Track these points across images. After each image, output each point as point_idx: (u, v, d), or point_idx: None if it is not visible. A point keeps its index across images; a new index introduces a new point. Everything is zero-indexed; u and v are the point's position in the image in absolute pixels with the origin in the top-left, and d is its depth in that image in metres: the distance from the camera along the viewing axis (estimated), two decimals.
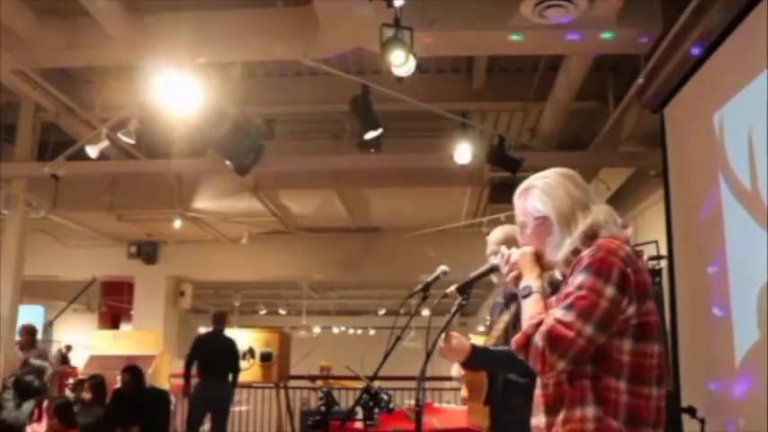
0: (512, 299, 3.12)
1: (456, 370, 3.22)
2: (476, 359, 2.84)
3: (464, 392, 3.18)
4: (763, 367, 3.91)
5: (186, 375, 7.57)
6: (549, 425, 1.86)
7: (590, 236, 1.91)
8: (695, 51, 4.96)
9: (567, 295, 1.81)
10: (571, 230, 1.93)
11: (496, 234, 3.23)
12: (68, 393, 6.99)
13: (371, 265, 12.00)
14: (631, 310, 1.81)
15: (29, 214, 8.44)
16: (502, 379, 3.00)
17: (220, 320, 7.87)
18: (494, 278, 3.00)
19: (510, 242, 2.99)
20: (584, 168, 7.48)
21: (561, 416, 1.83)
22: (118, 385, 7.49)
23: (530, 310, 1.91)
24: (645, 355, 1.83)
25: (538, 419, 1.92)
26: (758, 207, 4.05)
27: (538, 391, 1.94)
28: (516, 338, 1.86)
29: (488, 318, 2.79)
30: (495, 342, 3.03)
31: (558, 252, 1.94)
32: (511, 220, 2.15)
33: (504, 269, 2.07)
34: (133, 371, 7.18)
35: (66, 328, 15.47)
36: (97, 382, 6.90)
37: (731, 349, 4.41)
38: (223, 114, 6.37)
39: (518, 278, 2.03)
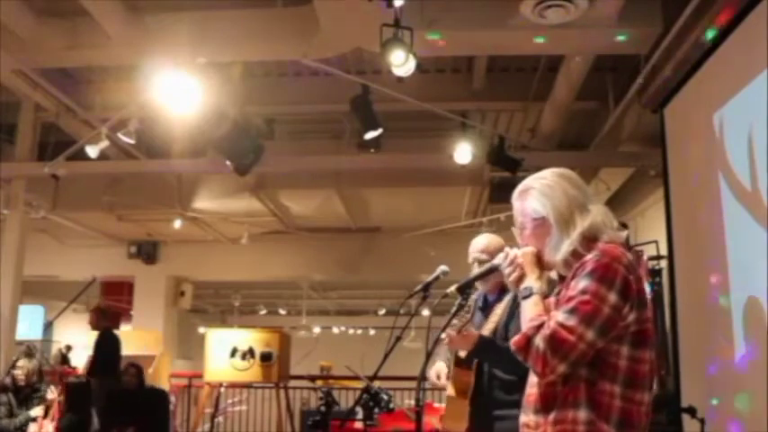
0: (494, 302, 3.12)
1: (434, 370, 3.20)
2: (484, 348, 2.84)
3: (450, 391, 3.17)
4: (764, 368, 3.91)
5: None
6: (539, 424, 1.87)
7: (589, 238, 1.92)
8: (695, 52, 4.96)
9: (570, 299, 1.82)
10: (569, 232, 1.93)
11: (480, 242, 3.22)
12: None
13: (371, 265, 11.99)
14: (632, 316, 1.82)
15: (29, 214, 8.44)
16: (487, 375, 3.00)
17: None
18: (479, 284, 3.01)
19: (492, 251, 3.00)
20: (584, 168, 7.49)
21: (552, 416, 1.84)
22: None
23: (530, 311, 1.91)
24: (640, 361, 1.84)
25: (527, 417, 1.92)
26: (758, 207, 4.05)
27: (529, 390, 1.95)
28: (516, 340, 1.87)
29: (456, 322, 2.74)
30: None
31: (557, 253, 1.95)
32: (510, 220, 2.15)
33: (507, 270, 2.07)
34: (138, 366, 7.19)
35: (66, 328, 15.47)
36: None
37: (731, 349, 4.41)
38: (223, 114, 6.38)
39: (520, 279, 2.03)
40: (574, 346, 1.76)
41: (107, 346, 7.59)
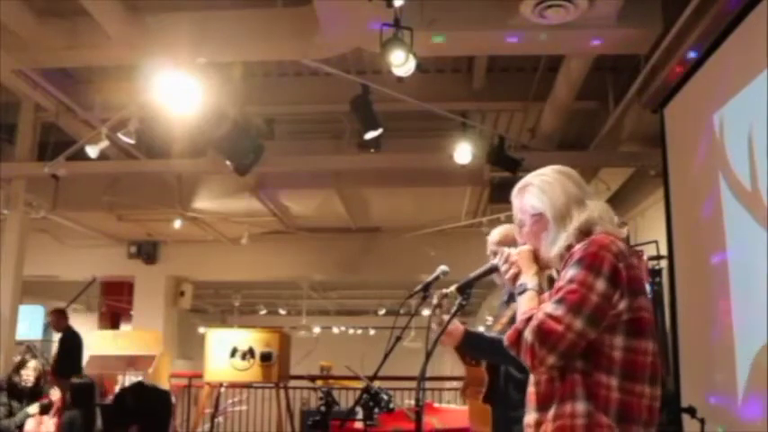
0: (513, 297, 3.14)
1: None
2: (469, 343, 2.85)
3: (467, 390, 3.18)
4: (764, 368, 3.91)
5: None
6: (540, 421, 1.86)
7: (584, 231, 1.90)
8: (695, 52, 4.97)
9: (558, 290, 1.81)
10: (566, 226, 1.93)
11: (495, 234, 3.23)
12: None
13: (371, 265, 12.00)
14: (623, 304, 1.80)
15: (29, 214, 8.44)
16: (504, 373, 3.00)
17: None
18: (496, 279, 3.02)
19: (509, 242, 3.00)
20: (584, 168, 7.48)
21: (552, 411, 1.83)
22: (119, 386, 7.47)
23: (523, 306, 1.91)
24: (637, 352, 1.82)
25: (529, 416, 1.92)
26: (758, 207, 4.05)
27: (530, 389, 1.94)
28: (508, 335, 1.87)
29: (490, 318, 2.79)
30: None
31: (553, 248, 1.94)
32: (511, 220, 2.16)
33: (503, 267, 2.07)
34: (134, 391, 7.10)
35: None
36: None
37: (732, 349, 4.41)
38: (223, 114, 6.38)
39: (516, 277, 2.03)
40: (562, 336, 1.74)
41: (71, 347, 7.62)
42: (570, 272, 1.81)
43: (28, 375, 6.29)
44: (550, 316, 1.76)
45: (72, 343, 7.70)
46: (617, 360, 1.79)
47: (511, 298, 3.11)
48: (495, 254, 3.11)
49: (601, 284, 1.77)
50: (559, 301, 1.78)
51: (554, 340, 1.75)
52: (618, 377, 1.79)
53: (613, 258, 1.80)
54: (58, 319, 7.90)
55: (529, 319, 1.81)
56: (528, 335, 1.78)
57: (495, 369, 3.04)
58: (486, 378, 3.04)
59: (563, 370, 1.81)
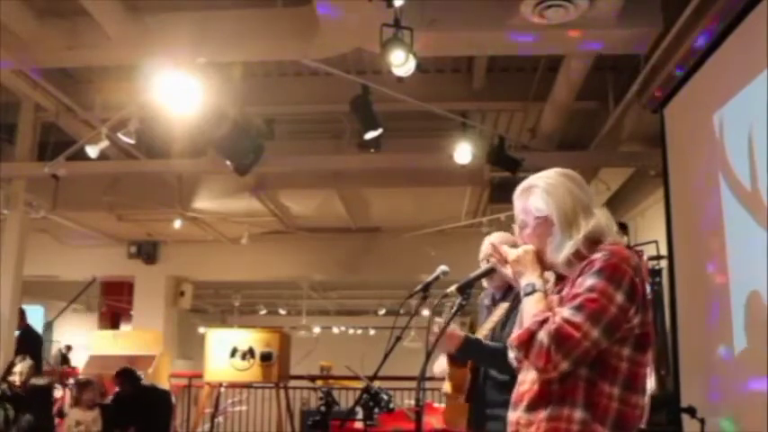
0: (500, 300, 3.13)
1: (438, 366, 3.21)
2: (468, 349, 2.86)
3: (447, 388, 3.19)
4: (764, 368, 3.91)
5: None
6: (531, 421, 1.86)
7: (592, 240, 1.91)
8: (695, 51, 4.96)
9: (576, 296, 1.81)
10: (572, 232, 1.92)
11: (492, 239, 3.21)
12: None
13: (371, 265, 11.99)
14: (637, 319, 1.82)
15: (29, 214, 8.44)
16: (483, 374, 3.01)
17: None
18: (484, 282, 3.02)
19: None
20: (584, 168, 7.49)
21: (546, 412, 1.83)
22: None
23: (533, 307, 1.90)
24: (640, 365, 1.84)
25: (518, 415, 1.91)
26: (758, 207, 4.05)
27: (521, 388, 1.94)
28: (519, 334, 1.86)
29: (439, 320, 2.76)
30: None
31: (560, 253, 1.94)
32: (511, 220, 2.15)
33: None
34: (125, 374, 7.07)
35: (66, 328, 15.47)
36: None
37: (731, 349, 4.41)
38: (223, 114, 6.37)
39: (514, 271, 2.02)
40: (578, 343, 1.75)
41: (34, 345, 7.63)
42: (590, 280, 1.81)
43: (14, 380, 6.28)
44: (568, 321, 1.77)
45: (31, 341, 7.75)
46: (622, 371, 1.82)
47: (503, 298, 3.11)
48: (487, 259, 3.11)
49: (620, 297, 1.79)
50: (578, 308, 1.78)
51: (570, 346, 1.76)
52: (620, 387, 1.81)
53: (632, 273, 1.82)
54: (17, 320, 7.99)
55: (543, 322, 1.81)
56: (544, 337, 1.78)
57: (476, 369, 3.05)
58: (468, 377, 3.05)
59: (565, 374, 1.81)
